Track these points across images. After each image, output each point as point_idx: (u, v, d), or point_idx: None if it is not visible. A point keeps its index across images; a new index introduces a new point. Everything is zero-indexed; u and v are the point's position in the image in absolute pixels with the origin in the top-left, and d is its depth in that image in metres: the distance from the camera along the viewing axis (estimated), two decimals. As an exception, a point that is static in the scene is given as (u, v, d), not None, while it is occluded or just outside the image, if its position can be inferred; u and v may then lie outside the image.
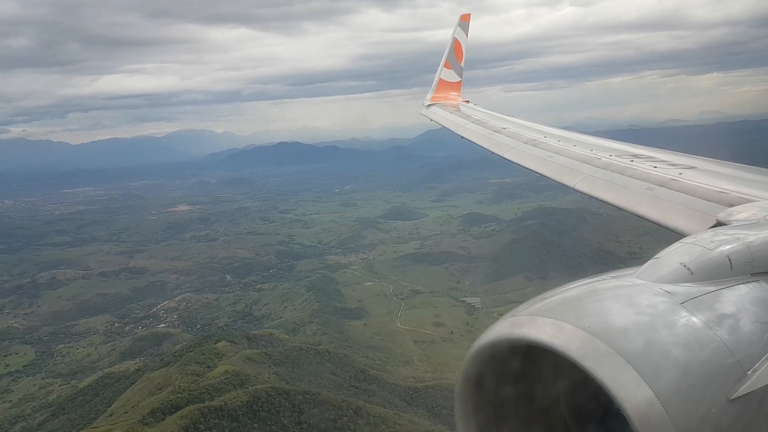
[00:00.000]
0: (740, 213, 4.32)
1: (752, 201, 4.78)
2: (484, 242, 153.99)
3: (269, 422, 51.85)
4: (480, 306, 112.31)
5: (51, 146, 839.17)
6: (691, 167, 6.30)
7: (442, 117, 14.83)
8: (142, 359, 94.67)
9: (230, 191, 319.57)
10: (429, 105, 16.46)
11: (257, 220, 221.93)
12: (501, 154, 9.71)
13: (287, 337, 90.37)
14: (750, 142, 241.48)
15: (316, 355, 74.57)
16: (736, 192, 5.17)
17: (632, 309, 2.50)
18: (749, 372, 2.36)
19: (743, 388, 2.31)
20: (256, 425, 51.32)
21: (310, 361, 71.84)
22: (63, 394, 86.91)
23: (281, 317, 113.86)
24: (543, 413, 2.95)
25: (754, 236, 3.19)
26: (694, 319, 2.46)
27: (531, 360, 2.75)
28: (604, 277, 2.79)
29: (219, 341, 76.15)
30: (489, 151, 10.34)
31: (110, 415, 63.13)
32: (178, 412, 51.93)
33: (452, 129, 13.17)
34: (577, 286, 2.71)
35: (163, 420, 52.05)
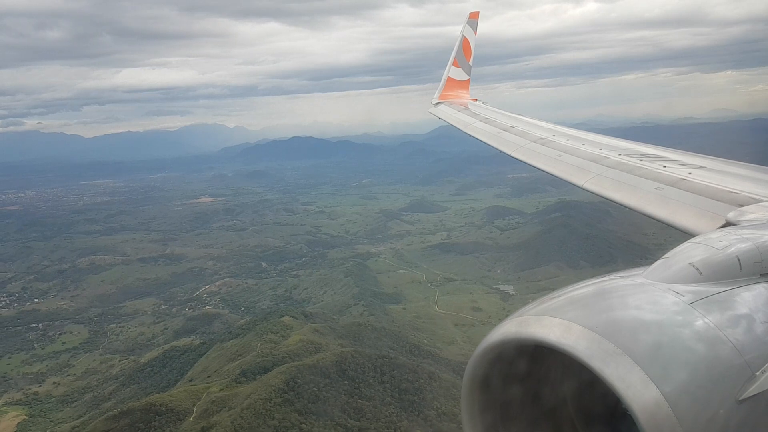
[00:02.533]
0: (750, 213, 4.33)
1: (762, 201, 4.77)
2: (511, 234, 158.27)
3: (357, 380, 56.82)
4: (514, 293, 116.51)
5: (65, 139, 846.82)
6: (701, 167, 6.29)
7: (450, 115, 14.71)
8: (196, 337, 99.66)
9: (249, 184, 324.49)
10: (437, 103, 16.44)
11: (281, 212, 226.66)
12: (509, 153, 9.69)
13: (336, 317, 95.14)
14: (767, 140, 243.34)
15: (373, 330, 79.47)
16: (746, 192, 5.14)
17: (640, 309, 2.53)
18: (758, 373, 2.35)
19: (752, 389, 2.31)
20: (345, 382, 56.34)
21: (368, 335, 76.69)
22: (126, 367, 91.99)
23: (322, 300, 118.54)
24: (550, 413, 2.98)
25: (764, 237, 3.20)
26: (703, 319, 2.45)
27: (538, 360, 2.79)
28: (612, 276, 2.85)
29: (282, 316, 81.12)
30: (497, 149, 10.30)
31: (190, 381, 67.97)
32: (276, 368, 56.97)
33: (460, 127, 13.08)
34: (584, 286, 2.76)
35: (254, 379, 56.92)
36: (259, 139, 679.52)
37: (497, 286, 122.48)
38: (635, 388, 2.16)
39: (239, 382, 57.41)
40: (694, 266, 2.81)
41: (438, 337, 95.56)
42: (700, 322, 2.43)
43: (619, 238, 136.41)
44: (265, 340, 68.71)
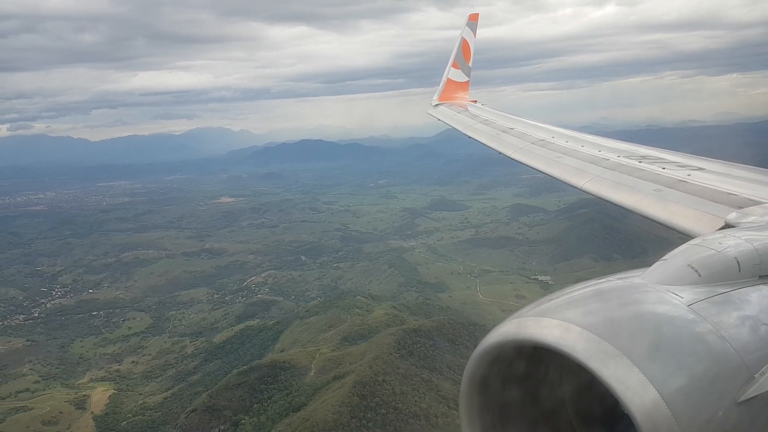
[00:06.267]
0: (749, 215, 4.39)
1: (761, 203, 4.82)
2: (540, 229, 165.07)
3: (456, 343, 63.61)
4: (553, 283, 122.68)
5: (71, 142, 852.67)
6: (700, 169, 6.31)
7: (450, 117, 14.82)
8: (260, 320, 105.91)
9: (266, 185, 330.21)
10: (437, 105, 16.58)
11: (307, 210, 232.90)
12: (508, 154, 9.69)
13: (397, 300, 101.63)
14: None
15: (440, 309, 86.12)
16: (745, 194, 5.17)
17: (639, 311, 2.56)
18: (756, 375, 2.35)
19: (750, 391, 2.30)
20: (446, 344, 63.13)
21: (437, 313, 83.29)
22: (200, 347, 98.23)
23: (369, 289, 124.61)
24: (549, 414, 3.01)
25: (763, 239, 3.23)
26: (702, 321, 2.46)
27: (537, 361, 2.81)
28: (610, 278, 2.88)
29: (356, 296, 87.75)
30: (496, 151, 10.30)
31: (282, 351, 74.44)
32: (385, 330, 63.65)
33: (460, 129, 13.17)
34: (583, 288, 2.81)
35: (357, 343, 63.58)
36: (266, 143, 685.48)
37: (535, 277, 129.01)
38: (634, 389, 2.16)
39: (343, 346, 64.21)
40: (692, 268, 2.85)
41: (489, 321, 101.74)
42: (698, 324, 2.46)
43: (646, 232, 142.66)
44: (354, 314, 75.67)
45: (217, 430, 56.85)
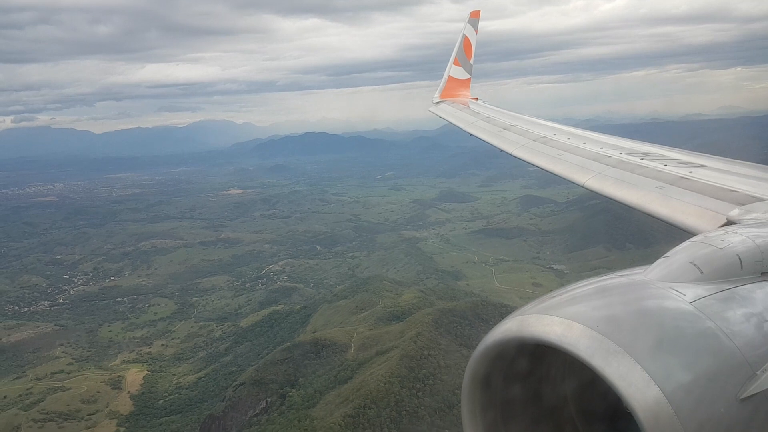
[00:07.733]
0: (751, 212, 4.38)
1: (763, 200, 4.82)
2: (551, 220, 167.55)
3: (490, 323, 65.98)
4: (568, 272, 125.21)
5: (75, 134, 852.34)
6: (702, 165, 6.32)
7: (451, 114, 14.83)
8: (283, 305, 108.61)
9: (273, 177, 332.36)
10: (438, 102, 16.61)
11: (316, 201, 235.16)
12: (510, 152, 9.73)
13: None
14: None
15: (465, 294, 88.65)
16: (748, 191, 5.16)
17: (641, 308, 2.56)
18: (759, 372, 2.37)
19: (753, 388, 2.32)
20: (481, 323, 65.72)
21: (463, 298, 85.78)
22: (228, 330, 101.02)
23: (387, 278, 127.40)
24: (551, 412, 3.01)
25: (765, 235, 3.25)
26: (704, 318, 2.48)
27: (539, 359, 2.82)
28: (613, 275, 2.89)
29: (382, 281, 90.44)
30: (498, 148, 10.36)
31: (314, 332, 77.24)
32: (422, 310, 66.47)
33: (461, 126, 13.20)
34: (586, 285, 2.80)
35: (391, 323, 66.38)
36: (269, 135, 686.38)
37: (550, 266, 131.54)
38: (636, 386, 2.17)
39: (377, 326, 67.06)
40: (695, 265, 2.86)
41: (514, 305, 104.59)
42: (701, 321, 2.47)
43: (658, 222, 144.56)
44: (384, 296, 78.54)
45: (264, 402, 60.02)
